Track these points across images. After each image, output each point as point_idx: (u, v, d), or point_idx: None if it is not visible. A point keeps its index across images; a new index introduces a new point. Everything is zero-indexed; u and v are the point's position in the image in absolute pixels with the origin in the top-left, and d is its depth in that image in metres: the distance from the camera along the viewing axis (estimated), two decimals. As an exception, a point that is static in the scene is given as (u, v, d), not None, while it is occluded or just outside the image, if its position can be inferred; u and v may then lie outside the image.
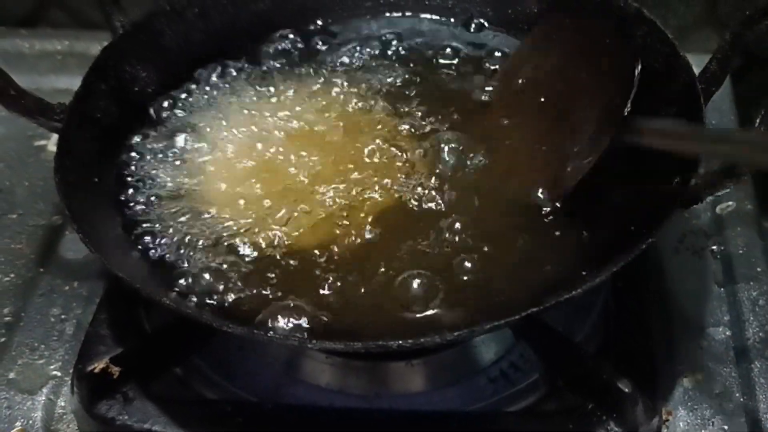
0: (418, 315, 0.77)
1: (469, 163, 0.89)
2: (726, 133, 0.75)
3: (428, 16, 1.08)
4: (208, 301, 0.78)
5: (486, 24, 1.06)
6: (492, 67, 1.00)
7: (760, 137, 0.75)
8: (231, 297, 0.78)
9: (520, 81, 0.94)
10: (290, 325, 0.74)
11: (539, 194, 0.85)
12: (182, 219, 0.85)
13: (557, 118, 0.88)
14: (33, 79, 1.17)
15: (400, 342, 0.68)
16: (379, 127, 0.93)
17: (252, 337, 0.69)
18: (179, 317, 0.75)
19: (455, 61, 1.02)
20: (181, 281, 0.80)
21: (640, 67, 0.79)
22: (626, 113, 0.79)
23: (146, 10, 0.98)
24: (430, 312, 0.77)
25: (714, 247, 0.96)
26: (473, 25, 1.06)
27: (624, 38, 0.87)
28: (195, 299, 0.78)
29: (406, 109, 0.95)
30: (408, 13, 1.08)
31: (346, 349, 0.68)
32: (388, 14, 1.08)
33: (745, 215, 0.98)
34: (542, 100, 0.91)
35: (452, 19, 1.07)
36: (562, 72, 0.90)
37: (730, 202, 0.99)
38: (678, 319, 0.89)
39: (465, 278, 0.79)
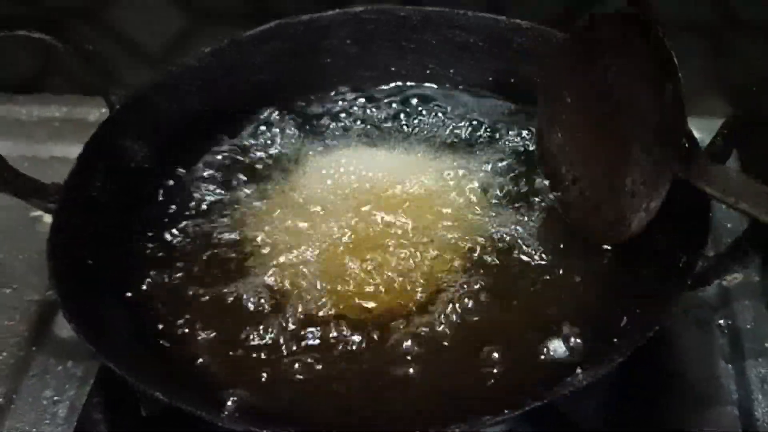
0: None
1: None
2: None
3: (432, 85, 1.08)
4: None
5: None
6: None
7: None
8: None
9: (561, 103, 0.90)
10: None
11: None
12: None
13: (607, 146, 0.85)
14: (30, 146, 1.17)
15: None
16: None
17: (251, 433, 0.68)
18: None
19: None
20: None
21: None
22: (685, 145, 0.75)
23: (144, 83, 0.98)
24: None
25: (721, 321, 0.94)
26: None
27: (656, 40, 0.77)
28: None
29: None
30: (410, 83, 1.08)
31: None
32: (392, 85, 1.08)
33: (753, 288, 0.96)
34: (588, 124, 0.87)
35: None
36: (599, 90, 0.85)
37: (737, 275, 0.97)
38: (685, 396, 0.88)
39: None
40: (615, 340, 0.77)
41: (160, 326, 0.82)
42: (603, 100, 0.84)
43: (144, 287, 0.86)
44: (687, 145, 0.75)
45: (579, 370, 0.72)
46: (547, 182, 0.92)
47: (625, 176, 0.81)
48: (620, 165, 0.82)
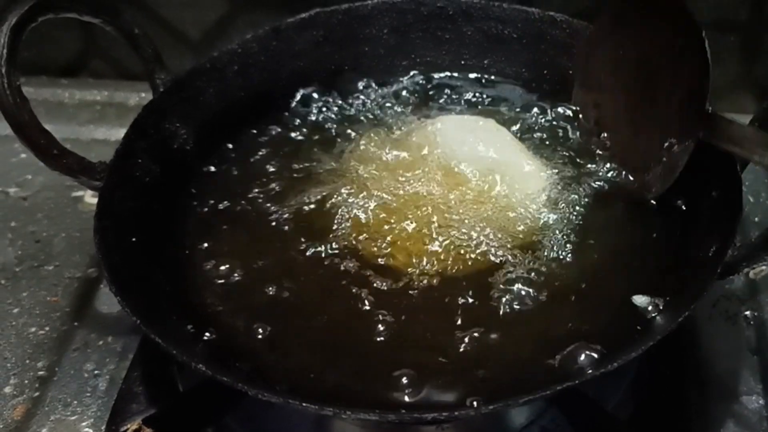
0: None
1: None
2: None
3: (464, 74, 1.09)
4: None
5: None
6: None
7: None
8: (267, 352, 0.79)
9: (598, 66, 0.96)
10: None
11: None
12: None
13: (641, 109, 0.90)
14: (72, 128, 1.21)
15: (435, 415, 0.68)
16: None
17: (286, 405, 0.69)
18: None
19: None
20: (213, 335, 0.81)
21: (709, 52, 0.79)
22: (708, 109, 0.79)
23: (187, 68, 0.99)
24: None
25: (747, 313, 0.95)
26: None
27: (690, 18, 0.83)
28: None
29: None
30: (445, 74, 1.09)
31: (380, 420, 0.68)
32: (426, 73, 1.09)
33: (779, 280, 0.97)
34: (624, 87, 0.92)
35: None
36: (635, 60, 0.90)
37: (764, 267, 0.98)
38: (711, 386, 0.89)
39: (498, 345, 0.79)
40: (644, 326, 0.78)
41: (202, 302, 0.84)
42: (639, 67, 0.89)
43: (186, 264, 0.87)
44: (710, 109, 0.79)
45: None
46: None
47: (652, 136, 0.87)
48: (649, 125, 0.88)
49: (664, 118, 0.86)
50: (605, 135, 0.94)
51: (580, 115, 0.98)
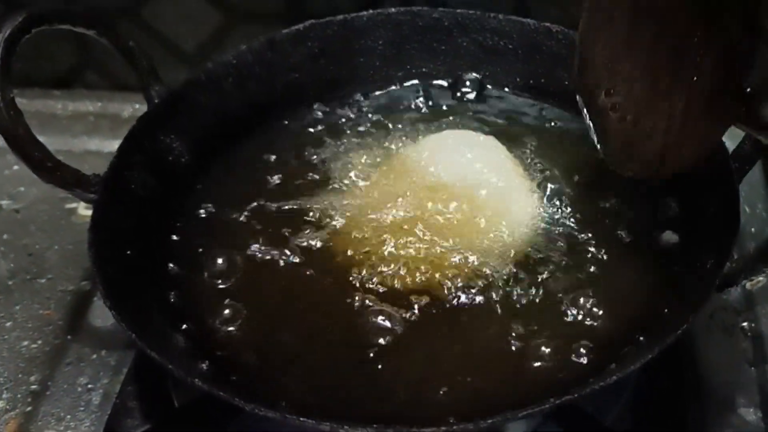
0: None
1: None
2: None
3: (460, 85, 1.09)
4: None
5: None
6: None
7: None
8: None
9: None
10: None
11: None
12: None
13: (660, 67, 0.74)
14: (65, 140, 1.20)
15: (432, 430, 0.68)
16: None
17: (284, 420, 0.69)
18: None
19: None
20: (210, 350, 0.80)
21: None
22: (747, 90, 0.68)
23: (182, 80, 1.00)
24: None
25: (744, 324, 0.95)
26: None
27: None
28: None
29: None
30: (441, 85, 1.09)
31: (377, 437, 0.69)
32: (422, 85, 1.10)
33: (776, 292, 0.98)
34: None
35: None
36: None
37: (761, 278, 0.98)
38: (709, 398, 0.88)
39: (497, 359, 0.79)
40: (641, 339, 0.78)
41: (199, 316, 0.84)
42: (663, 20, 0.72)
43: (181, 278, 0.87)
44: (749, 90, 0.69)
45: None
46: (583, 100, 0.81)
47: (677, 103, 0.73)
48: (674, 91, 0.73)
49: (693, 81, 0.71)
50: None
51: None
